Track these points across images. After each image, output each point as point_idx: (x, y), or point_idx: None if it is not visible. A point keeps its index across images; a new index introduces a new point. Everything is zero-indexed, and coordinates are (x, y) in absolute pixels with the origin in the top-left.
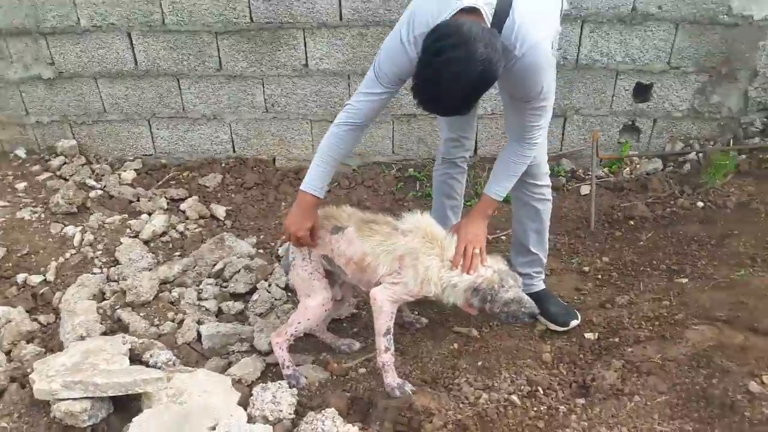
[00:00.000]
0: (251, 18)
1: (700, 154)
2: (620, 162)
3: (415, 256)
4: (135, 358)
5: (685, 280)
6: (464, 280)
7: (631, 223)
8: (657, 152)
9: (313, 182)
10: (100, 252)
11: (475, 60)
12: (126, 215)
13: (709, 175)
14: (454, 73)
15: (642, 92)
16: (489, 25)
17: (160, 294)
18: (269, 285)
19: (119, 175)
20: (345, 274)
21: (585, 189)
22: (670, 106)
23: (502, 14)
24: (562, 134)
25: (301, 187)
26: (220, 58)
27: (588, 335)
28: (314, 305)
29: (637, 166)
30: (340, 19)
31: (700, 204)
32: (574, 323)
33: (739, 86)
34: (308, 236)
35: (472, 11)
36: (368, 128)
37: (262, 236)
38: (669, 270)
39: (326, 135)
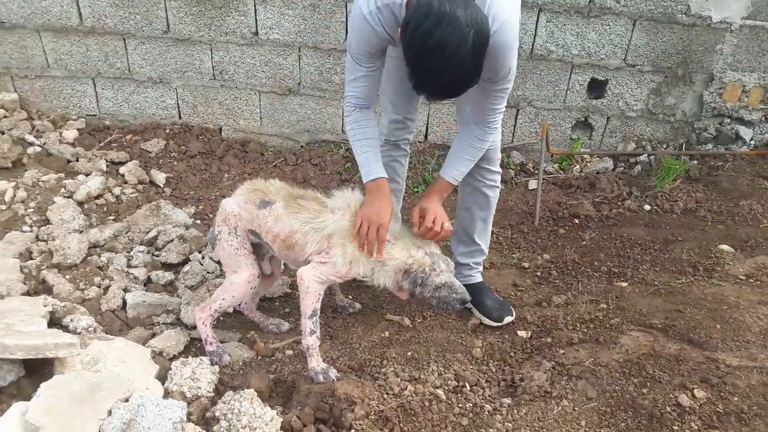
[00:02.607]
0: None
1: (652, 157)
2: (571, 159)
3: (344, 235)
4: (55, 322)
5: (624, 284)
6: (396, 259)
7: (576, 221)
8: (608, 151)
9: (372, 168)
10: (32, 210)
11: (462, 26)
12: (62, 174)
13: (659, 178)
14: (452, 49)
15: (597, 88)
16: None
17: (89, 258)
18: (203, 257)
19: (60, 133)
20: (273, 250)
21: (532, 183)
22: (625, 105)
23: None
24: (514, 126)
25: (365, 181)
26: (167, 19)
27: (521, 333)
28: (240, 281)
29: (588, 164)
30: None
31: (647, 207)
32: (508, 319)
33: (695, 90)
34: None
35: None
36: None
37: (201, 206)
38: (609, 272)
39: (348, 129)
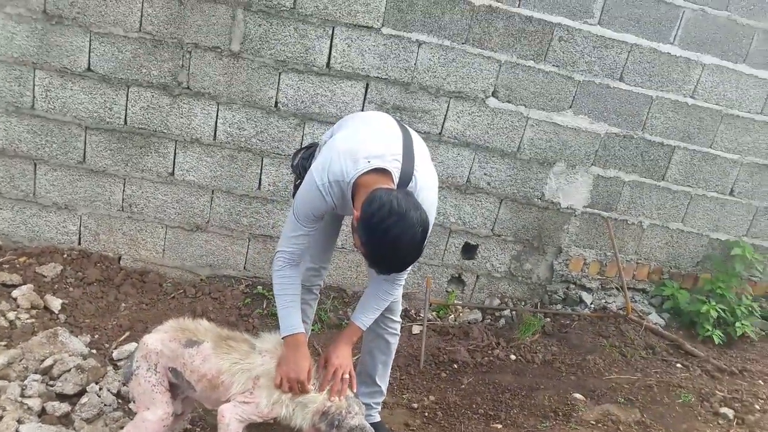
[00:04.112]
0: (126, 121)
1: (514, 312)
2: (446, 308)
3: (270, 377)
4: None
5: (499, 426)
6: (315, 402)
7: (455, 366)
8: (477, 305)
9: (292, 323)
10: None
11: (414, 225)
12: None
13: (521, 331)
14: (406, 241)
15: (469, 251)
16: (395, 185)
17: None
18: (100, 389)
19: None
20: (193, 390)
21: (416, 329)
22: (491, 267)
23: (406, 177)
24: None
25: (283, 335)
26: (85, 151)
27: None
28: (153, 419)
29: (461, 314)
30: (214, 138)
31: (513, 357)
32: None
33: (547, 259)
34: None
35: (382, 171)
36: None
37: (97, 336)
38: (486, 415)
39: (276, 283)
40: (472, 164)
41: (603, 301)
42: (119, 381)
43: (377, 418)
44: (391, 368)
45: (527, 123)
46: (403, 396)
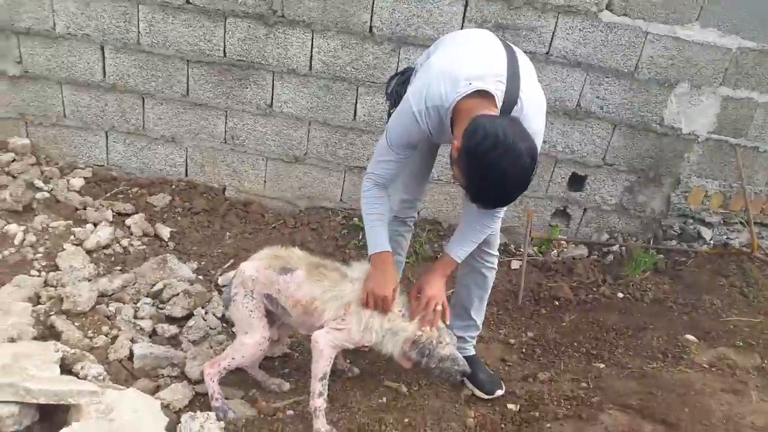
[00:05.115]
0: (225, 53)
1: (623, 248)
2: (549, 243)
3: (360, 304)
4: (65, 368)
5: (602, 365)
6: (406, 331)
7: (556, 303)
8: (584, 239)
9: (379, 241)
10: (41, 255)
11: (523, 157)
12: (71, 222)
13: (630, 268)
14: (513, 175)
15: (576, 182)
16: (499, 109)
17: (97, 306)
18: (206, 313)
19: (68, 180)
20: (288, 316)
21: (515, 264)
22: (600, 199)
23: (511, 100)
24: None
25: (371, 252)
26: (188, 84)
27: (510, 406)
28: (251, 343)
29: (565, 249)
30: (310, 69)
31: (620, 294)
32: (498, 392)
33: (663, 191)
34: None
35: (485, 94)
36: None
37: (203, 262)
38: (588, 354)
39: (364, 203)
40: (582, 86)
41: (725, 237)
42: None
43: (472, 352)
44: (488, 303)
45: (646, 39)
46: (500, 331)
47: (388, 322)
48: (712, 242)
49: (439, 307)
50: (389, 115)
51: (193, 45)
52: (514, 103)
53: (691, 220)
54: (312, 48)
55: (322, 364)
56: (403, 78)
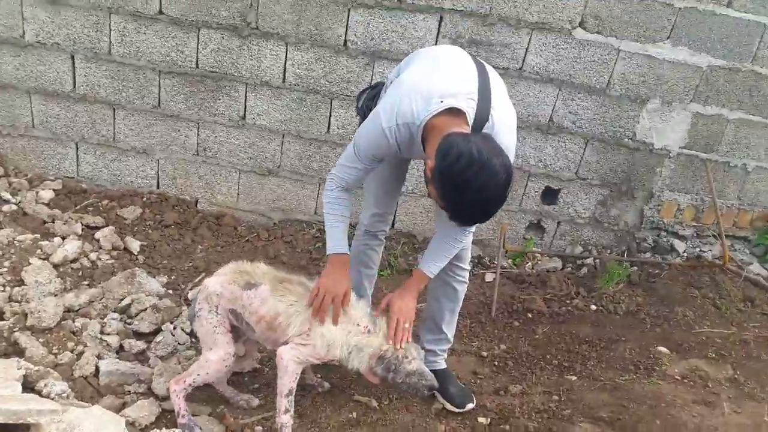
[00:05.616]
0: (197, 64)
1: (597, 260)
2: (523, 256)
3: (326, 320)
4: (28, 386)
5: (574, 378)
6: (371, 347)
7: (529, 315)
8: (558, 252)
9: (338, 242)
10: (5, 269)
11: (499, 174)
12: (38, 235)
13: (604, 280)
14: (491, 192)
15: (550, 196)
16: (470, 126)
17: (63, 322)
18: (174, 328)
19: (36, 192)
20: (252, 332)
21: (489, 276)
22: (574, 212)
23: (482, 118)
24: None
25: (329, 252)
26: (160, 95)
27: (481, 419)
28: (215, 359)
29: (539, 262)
30: (283, 81)
31: (593, 307)
32: (469, 406)
33: (636, 204)
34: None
35: (456, 112)
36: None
37: (173, 277)
38: (560, 366)
39: (326, 202)
40: (555, 102)
41: (697, 249)
42: None
43: (443, 365)
44: (462, 316)
45: (618, 56)
46: (473, 344)
47: (353, 337)
48: (685, 255)
49: (407, 325)
50: None
51: (165, 56)
52: (486, 120)
53: (665, 233)
54: (286, 60)
55: (287, 380)
56: (374, 92)
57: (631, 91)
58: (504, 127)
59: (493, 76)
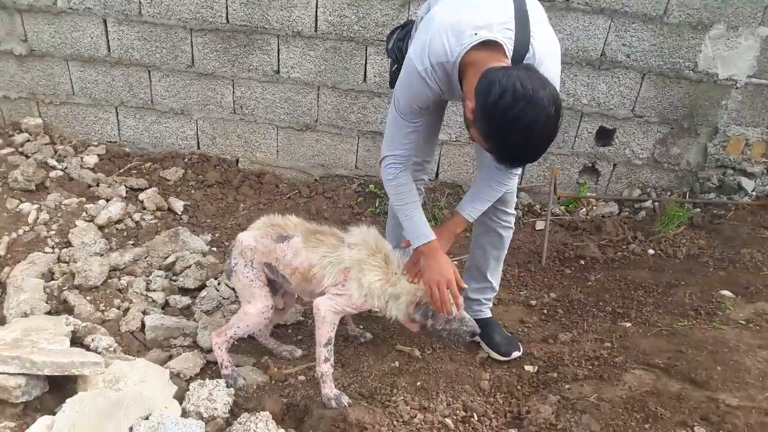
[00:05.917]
0: (227, 19)
1: (656, 203)
2: (577, 202)
3: (360, 269)
4: (77, 341)
5: (628, 324)
6: (408, 293)
7: (582, 262)
8: (614, 196)
9: (422, 231)
10: (54, 232)
11: (546, 106)
12: (84, 199)
13: (663, 224)
14: (539, 128)
15: (605, 136)
16: (510, 59)
17: (109, 280)
18: (218, 283)
19: (81, 158)
20: (288, 284)
21: (540, 224)
22: (631, 153)
23: (521, 48)
24: (523, 168)
25: (418, 245)
26: (192, 54)
27: (528, 367)
28: (254, 312)
29: (594, 207)
30: (316, 30)
31: (651, 251)
32: (515, 354)
33: (700, 141)
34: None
35: (492, 44)
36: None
37: (217, 234)
38: (614, 313)
39: (391, 193)
40: (607, 34)
41: (767, 187)
42: None
43: (488, 314)
44: (510, 265)
45: None
46: (521, 293)
47: (390, 285)
48: (754, 193)
49: (447, 289)
50: (392, 73)
51: (195, 13)
52: (526, 51)
53: (731, 171)
54: (317, 7)
55: (324, 331)
56: (404, 32)
57: (692, 17)
58: (547, 57)
59: (530, 1)
